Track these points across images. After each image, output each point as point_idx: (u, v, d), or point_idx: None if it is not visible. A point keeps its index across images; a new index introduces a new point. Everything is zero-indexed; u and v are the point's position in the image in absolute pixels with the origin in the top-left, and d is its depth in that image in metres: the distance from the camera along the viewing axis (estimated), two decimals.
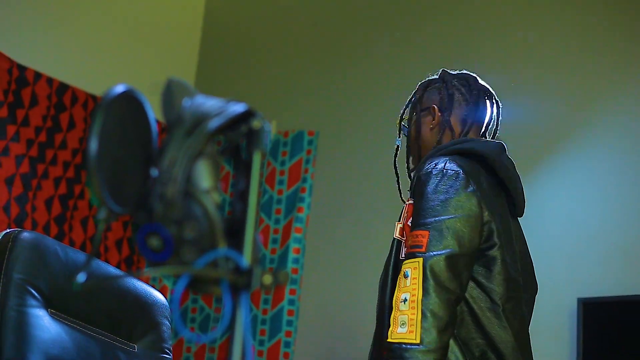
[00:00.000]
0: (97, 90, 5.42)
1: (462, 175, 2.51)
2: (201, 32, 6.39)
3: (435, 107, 2.82)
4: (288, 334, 5.16)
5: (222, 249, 1.26)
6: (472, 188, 2.50)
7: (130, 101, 1.36)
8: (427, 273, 2.36)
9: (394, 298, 2.42)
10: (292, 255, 5.27)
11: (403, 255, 2.56)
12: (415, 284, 2.36)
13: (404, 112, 2.93)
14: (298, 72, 5.88)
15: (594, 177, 4.50)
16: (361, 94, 5.49)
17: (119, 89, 1.34)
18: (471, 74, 2.90)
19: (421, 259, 2.39)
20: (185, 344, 5.48)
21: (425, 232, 2.42)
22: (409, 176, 2.88)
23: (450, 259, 2.39)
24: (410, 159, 2.91)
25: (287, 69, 5.95)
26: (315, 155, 5.45)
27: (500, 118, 2.89)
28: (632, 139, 4.46)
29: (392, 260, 2.64)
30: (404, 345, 2.31)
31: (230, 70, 6.19)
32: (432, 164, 2.55)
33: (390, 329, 2.38)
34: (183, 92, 1.36)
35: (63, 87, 5.26)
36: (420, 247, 2.40)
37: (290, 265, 5.24)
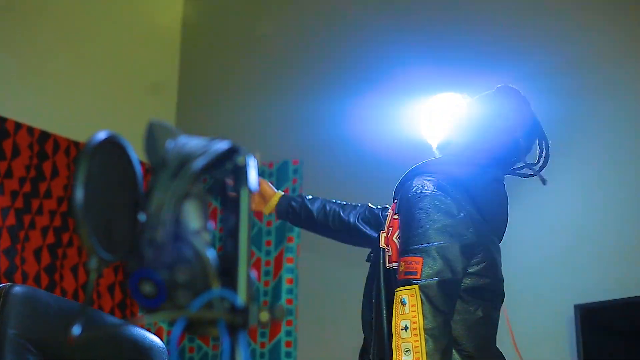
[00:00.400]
0: (78, 136, 5.40)
1: (451, 201, 2.57)
2: (178, 69, 6.38)
3: (503, 124, 2.81)
4: None
5: (216, 289, 1.25)
6: (462, 214, 2.57)
7: (113, 147, 1.35)
8: (424, 299, 2.44)
9: (393, 324, 2.47)
10: (285, 285, 5.25)
11: (389, 265, 2.63)
12: (415, 310, 2.43)
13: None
14: (278, 103, 5.87)
15: (586, 183, 4.50)
16: (343, 120, 5.48)
17: (101, 135, 1.32)
18: (528, 105, 2.89)
19: (417, 286, 2.46)
20: None
21: (419, 259, 2.49)
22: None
23: (442, 283, 2.48)
24: (448, 136, 2.90)
25: (267, 100, 5.94)
26: (302, 184, 5.43)
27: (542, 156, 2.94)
28: (626, 144, 4.46)
29: (381, 268, 2.67)
30: None
31: (210, 106, 6.19)
32: (422, 184, 2.60)
33: (395, 356, 2.44)
34: (165, 133, 1.35)
35: (44, 136, 5.24)
36: (415, 273, 2.47)
37: (284, 296, 5.21)
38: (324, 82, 5.68)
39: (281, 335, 5.17)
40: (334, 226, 3.15)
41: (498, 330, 2.83)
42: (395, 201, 2.71)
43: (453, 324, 2.54)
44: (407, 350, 2.40)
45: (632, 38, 4.63)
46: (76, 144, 5.41)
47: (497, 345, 2.72)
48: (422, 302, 2.43)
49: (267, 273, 5.32)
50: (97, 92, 5.74)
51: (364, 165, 5.25)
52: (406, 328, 2.42)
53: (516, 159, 2.86)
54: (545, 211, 4.54)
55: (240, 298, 1.25)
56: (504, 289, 2.77)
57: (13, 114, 5.08)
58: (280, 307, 1.24)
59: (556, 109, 4.67)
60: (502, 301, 2.75)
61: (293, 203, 3.16)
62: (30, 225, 5.04)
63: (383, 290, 2.63)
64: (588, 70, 4.68)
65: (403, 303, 2.45)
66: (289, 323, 5.16)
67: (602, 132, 4.55)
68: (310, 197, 3.18)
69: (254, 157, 1.37)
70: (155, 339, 2.69)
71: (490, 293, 2.65)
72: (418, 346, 2.39)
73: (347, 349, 4.98)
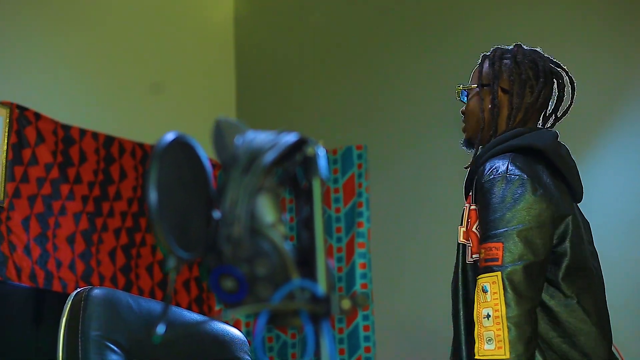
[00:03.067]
0: (142, 138, 5.46)
1: (526, 179, 2.50)
2: (235, 64, 6.40)
3: (500, 87, 2.77)
4: (367, 349, 5.15)
5: (296, 280, 1.26)
6: (540, 192, 2.50)
7: (182, 147, 1.37)
8: (507, 286, 2.38)
9: (475, 313, 2.43)
10: (359, 270, 5.26)
11: (470, 259, 2.59)
12: (497, 298, 2.38)
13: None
14: (337, 88, 5.87)
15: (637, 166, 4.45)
16: (403, 102, 5.47)
17: (170, 136, 1.34)
18: (542, 53, 2.82)
19: (499, 272, 2.40)
20: None
21: (499, 244, 2.42)
22: (466, 145, 2.87)
23: (527, 268, 2.40)
24: (469, 131, 2.86)
25: (326, 86, 5.95)
26: (367, 168, 5.43)
27: (572, 100, 2.85)
28: None
29: (460, 264, 2.65)
30: None
31: (269, 98, 6.20)
32: (493, 168, 2.53)
33: (477, 345, 2.40)
34: (233, 130, 1.37)
35: (109, 140, 5.30)
36: (496, 260, 2.41)
37: (359, 281, 5.22)
38: (383, 65, 5.67)
39: (359, 320, 5.18)
40: None
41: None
42: (470, 193, 2.65)
43: (545, 314, 2.48)
44: (489, 339, 2.36)
45: None
46: (141, 145, 5.46)
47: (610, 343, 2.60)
48: (504, 289, 2.36)
49: (339, 259, 5.33)
50: (160, 98, 5.78)
51: (428, 148, 5.24)
52: (488, 316, 2.37)
53: (545, 111, 2.82)
54: (596, 194, 4.49)
55: (321, 287, 1.26)
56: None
57: (77, 121, 5.15)
58: (363, 295, 1.25)
59: (596, 99, 4.62)
60: (601, 282, 2.64)
61: None
62: (103, 228, 5.11)
63: (461, 287, 2.61)
64: (630, 55, 4.63)
65: (485, 291, 2.40)
66: (365, 307, 5.17)
67: None
68: None
69: (318, 144, 1.37)
70: (235, 331, 2.72)
71: (582, 273, 2.55)
72: (500, 335, 2.34)
73: (425, 331, 5.00)
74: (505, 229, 2.43)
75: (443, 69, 5.22)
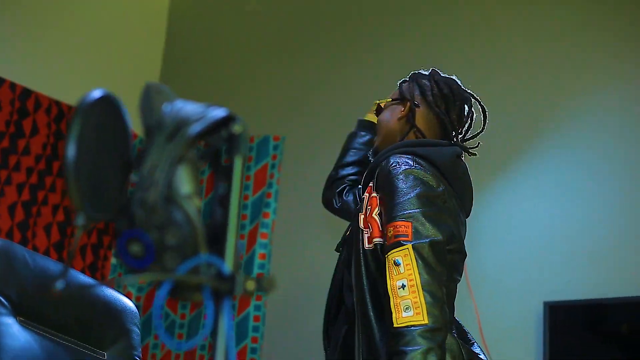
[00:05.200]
0: (60, 96, 5.37)
1: (430, 175, 2.65)
2: (165, 35, 6.36)
3: (409, 101, 2.94)
4: (254, 339, 5.14)
5: (204, 254, 1.25)
6: (441, 188, 2.65)
7: (107, 106, 1.35)
8: (418, 257, 2.47)
9: (389, 287, 2.48)
10: (258, 260, 5.25)
11: (369, 245, 2.67)
12: (410, 269, 2.46)
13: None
14: (263, 77, 5.87)
15: (558, 180, 4.52)
16: (327, 99, 5.48)
17: (97, 93, 1.32)
18: (457, 80, 3.01)
19: (409, 245, 2.49)
20: (150, 351, 5.44)
21: (408, 223, 2.53)
22: (373, 155, 3.04)
23: (433, 245, 2.51)
24: (379, 142, 3.03)
25: (253, 73, 5.94)
26: (281, 160, 5.43)
27: (483, 127, 3.01)
28: (596, 142, 4.49)
29: (354, 254, 2.72)
30: (412, 327, 2.39)
31: (194, 75, 6.16)
32: (400, 160, 2.66)
33: (394, 316, 2.44)
34: (162, 96, 1.35)
35: (26, 92, 5.20)
36: (405, 235, 2.51)
37: (256, 271, 5.21)
38: (312, 60, 5.68)
39: (250, 310, 5.17)
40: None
41: (468, 323, 2.90)
42: (370, 184, 2.76)
43: None
44: (406, 307, 2.41)
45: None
46: (57, 103, 5.37)
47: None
48: (416, 260, 2.46)
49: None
50: (83, 57, 5.70)
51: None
52: (403, 286, 2.44)
53: (455, 131, 2.96)
54: (523, 207, 4.56)
55: (228, 265, 1.26)
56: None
57: None
58: (270, 279, 1.24)
59: (530, 108, 4.70)
60: (460, 278, 2.80)
61: (368, 137, 3.37)
62: (6, 181, 5.01)
63: (364, 273, 2.65)
64: (554, 71, 4.71)
65: (397, 264, 2.48)
66: (258, 298, 5.17)
67: (575, 132, 4.57)
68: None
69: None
70: (127, 301, 2.69)
71: (456, 267, 2.71)
72: (417, 302, 2.41)
73: (314, 329, 5.01)
74: (413, 210, 2.55)
75: (372, 71, 5.25)
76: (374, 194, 2.70)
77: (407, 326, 2.39)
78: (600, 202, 4.39)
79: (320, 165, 5.29)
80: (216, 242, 1.29)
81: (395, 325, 2.42)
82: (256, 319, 5.16)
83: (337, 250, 2.97)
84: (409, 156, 2.68)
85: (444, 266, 2.54)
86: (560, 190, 4.51)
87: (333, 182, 3.40)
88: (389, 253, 2.53)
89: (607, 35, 4.63)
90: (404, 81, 3.05)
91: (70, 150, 1.25)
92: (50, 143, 5.29)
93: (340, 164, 3.42)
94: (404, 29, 5.35)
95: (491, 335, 4.12)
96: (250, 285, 1.24)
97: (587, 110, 4.57)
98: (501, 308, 4.38)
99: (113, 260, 5.58)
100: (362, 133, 3.41)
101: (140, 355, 2.67)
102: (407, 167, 2.63)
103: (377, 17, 5.49)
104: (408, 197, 2.57)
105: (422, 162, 2.67)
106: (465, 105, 2.97)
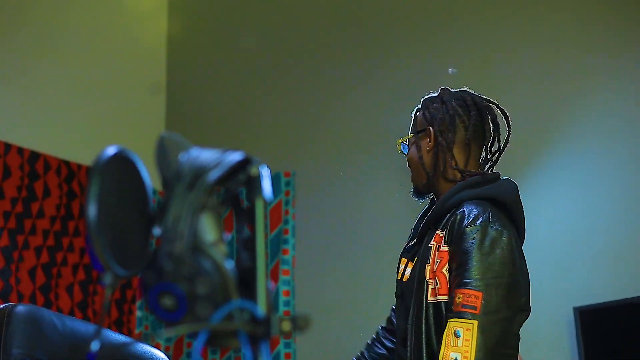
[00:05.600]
0: (69, 156, 5.39)
1: (506, 233, 2.51)
2: (166, 86, 6.37)
3: (431, 129, 2.75)
4: None
5: (236, 300, 1.24)
6: (515, 245, 2.53)
7: (122, 162, 1.35)
8: (480, 336, 2.38)
9: (442, 355, 2.41)
10: (282, 298, 5.24)
11: (432, 299, 2.54)
12: (469, 345, 2.37)
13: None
14: (267, 114, 5.88)
15: (578, 183, 4.51)
16: (334, 130, 5.49)
17: (111, 150, 1.32)
18: (470, 91, 2.83)
19: (476, 322, 2.39)
20: None
21: (479, 294, 2.41)
22: (416, 195, 2.85)
23: (504, 322, 2.44)
24: (415, 180, 2.83)
25: (255, 111, 5.95)
26: (294, 196, 5.43)
27: (508, 132, 2.85)
28: (617, 144, 4.47)
29: (415, 302, 2.60)
30: None
31: (199, 121, 6.18)
32: (474, 214, 2.52)
33: None
34: (177, 146, 1.35)
35: (34, 156, 5.22)
36: (474, 308, 2.40)
37: (282, 308, 5.21)
38: (314, 93, 5.69)
39: (280, 347, 5.16)
40: None
41: None
42: (443, 232, 2.59)
43: None
44: None
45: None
46: (66, 163, 5.39)
47: None
48: (477, 339, 2.37)
49: None
50: (86, 112, 5.72)
51: (356, 179, 5.26)
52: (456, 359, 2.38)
53: (483, 141, 2.80)
54: (543, 214, 4.54)
55: (261, 308, 1.25)
56: None
57: (2, 136, 5.06)
58: (305, 317, 1.23)
59: (542, 114, 4.69)
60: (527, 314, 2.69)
61: None
62: (24, 246, 5.02)
63: (424, 328, 2.54)
64: (574, 71, 4.71)
65: (457, 335, 2.39)
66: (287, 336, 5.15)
67: (598, 135, 4.56)
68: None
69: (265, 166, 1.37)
70: (159, 354, 2.68)
71: (525, 316, 2.62)
72: None
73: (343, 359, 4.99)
74: (486, 279, 2.43)
75: (376, 100, 5.25)
76: (445, 247, 2.55)
77: None
78: (620, 203, 4.38)
79: (334, 195, 5.31)
80: (246, 286, 1.28)
81: None
82: (287, 356, 5.15)
83: (396, 295, 2.80)
84: (483, 206, 2.54)
85: (509, 343, 2.48)
86: (579, 194, 4.50)
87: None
88: (452, 320, 2.42)
89: (622, 40, 4.63)
90: (418, 110, 2.85)
91: (91, 210, 1.25)
92: (64, 204, 5.30)
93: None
94: (407, 53, 5.35)
95: (524, 345, 4.09)
96: (286, 326, 1.23)
97: (598, 112, 4.56)
98: (532, 317, 4.35)
99: (138, 313, 5.57)
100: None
101: None
102: (484, 221, 2.49)
103: (378, 45, 5.50)
104: (484, 262, 2.45)
105: (496, 212, 2.54)
106: (488, 114, 2.79)
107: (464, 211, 2.54)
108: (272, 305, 1.27)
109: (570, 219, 4.48)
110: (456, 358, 2.37)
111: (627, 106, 4.51)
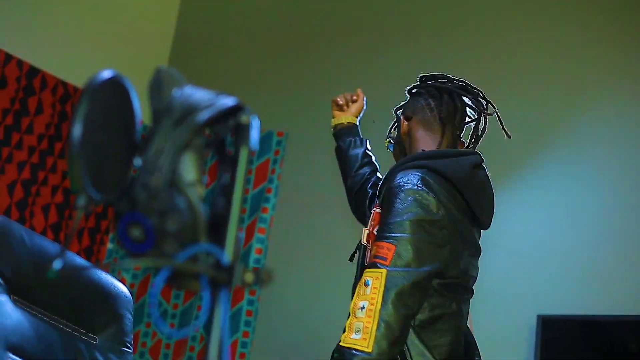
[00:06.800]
0: (67, 77, 5.36)
1: (432, 198, 2.55)
2: (176, 20, 6.34)
3: (409, 114, 2.91)
4: (245, 334, 5.13)
5: (204, 243, 1.24)
6: (440, 214, 2.55)
7: (116, 87, 1.33)
8: (389, 286, 2.40)
9: (352, 304, 2.45)
10: (254, 255, 5.24)
11: (368, 261, 2.59)
12: (375, 293, 2.40)
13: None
14: (269, 72, 5.85)
15: (556, 195, 4.52)
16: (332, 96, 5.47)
17: (106, 74, 1.30)
18: (448, 75, 2.95)
19: (385, 270, 2.43)
20: (140, 339, 5.42)
21: (392, 246, 2.46)
22: None
23: (410, 275, 2.43)
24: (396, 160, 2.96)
25: (258, 68, 5.92)
26: (284, 157, 5.42)
27: (487, 116, 2.93)
28: (592, 157, 4.49)
29: (359, 265, 2.68)
30: (354, 351, 2.34)
31: (201, 68, 6.14)
32: (405, 178, 2.59)
33: (345, 333, 2.40)
34: (173, 81, 1.34)
35: (33, 71, 5.19)
36: (384, 259, 2.44)
37: (251, 265, 5.20)
38: (321, 59, 5.67)
39: (243, 304, 5.16)
40: (354, 181, 3.18)
41: None
42: (377, 199, 2.70)
43: (432, 319, 2.53)
44: (357, 330, 2.36)
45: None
46: (64, 83, 5.36)
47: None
48: (385, 288, 2.39)
49: None
50: (92, 38, 5.69)
51: None
52: (363, 308, 2.38)
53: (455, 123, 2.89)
54: (517, 220, 4.54)
55: (227, 255, 1.24)
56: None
57: (4, 45, 5.03)
58: (269, 271, 1.22)
59: (526, 125, 4.67)
60: (471, 295, 2.73)
61: (354, 139, 3.23)
62: (7, 159, 5.00)
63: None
64: (555, 88, 4.70)
65: (366, 284, 2.42)
66: (252, 292, 5.16)
67: (570, 147, 4.57)
68: (369, 149, 3.20)
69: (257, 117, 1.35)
70: (122, 287, 2.68)
71: (461, 288, 2.64)
72: (369, 328, 2.34)
73: (307, 326, 5.01)
74: (401, 234, 2.47)
75: (378, 71, 5.23)
76: (377, 210, 2.63)
77: (350, 348, 2.35)
78: (597, 218, 4.38)
79: (323, 163, 5.29)
80: (216, 232, 1.27)
81: (340, 343, 2.39)
82: (249, 313, 5.15)
83: (350, 260, 2.88)
84: (417, 173, 2.60)
85: (418, 299, 2.47)
86: (557, 205, 4.50)
87: (355, 194, 3.18)
88: (365, 271, 2.48)
89: (612, 52, 4.62)
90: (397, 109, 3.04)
91: (76, 130, 1.24)
92: (54, 123, 5.28)
93: (349, 175, 3.22)
94: (413, 33, 5.33)
95: (483, 346, 4.11)
96: (249, 277, 1.22)
97: (582, 127, 4.57)
98: (494, 320, 4.36)
99: (109, 245, 5.57)
100: (343, 142, 3.27)
101: (132, 341, 2.66)
102: (410, 186, 2.55)
103: (387, 18, 5.48)
104: (401, 219, 2.50)
105: (430, 180, 2.59)
106: (466, 98, 2.89)
107: (396, 177, 2.62)
108: (239, 255, 1.26)
109: (545, 228, 4.48)
110: (364, 306, 2.39)
111: (609, 122, 4.52)
